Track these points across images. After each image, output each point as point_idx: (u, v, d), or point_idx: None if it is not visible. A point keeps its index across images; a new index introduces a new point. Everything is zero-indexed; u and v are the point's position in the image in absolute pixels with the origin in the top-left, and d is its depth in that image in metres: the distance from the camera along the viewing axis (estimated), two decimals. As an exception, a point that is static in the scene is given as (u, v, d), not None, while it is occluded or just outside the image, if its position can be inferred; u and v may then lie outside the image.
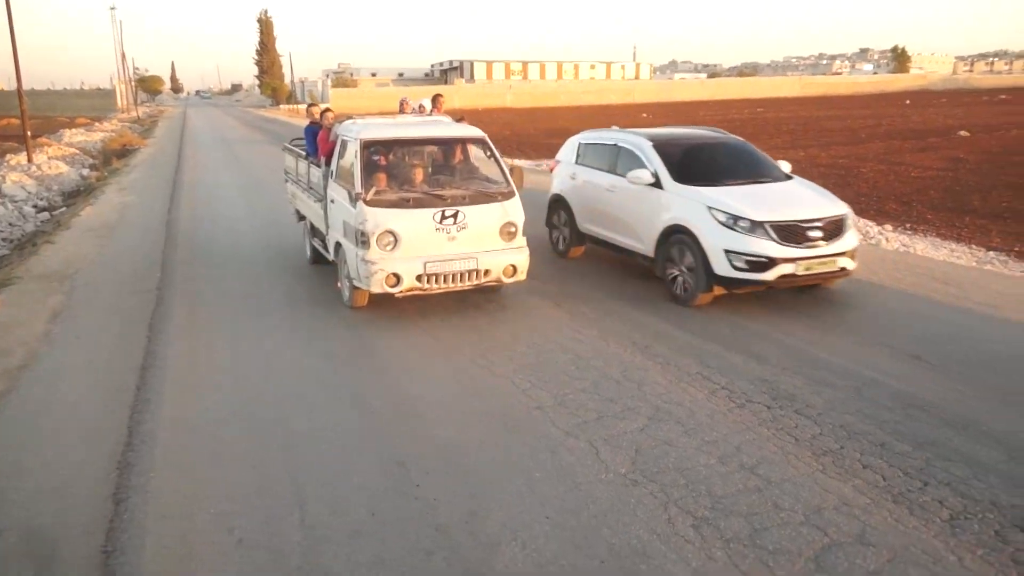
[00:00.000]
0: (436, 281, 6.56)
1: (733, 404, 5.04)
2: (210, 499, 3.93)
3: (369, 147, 6.90)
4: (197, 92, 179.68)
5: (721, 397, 5.16)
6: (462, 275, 6.61)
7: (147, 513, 3.81)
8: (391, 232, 6.46)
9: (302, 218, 9.25)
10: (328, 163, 7.52)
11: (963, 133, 24.62)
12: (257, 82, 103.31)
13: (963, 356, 5.82)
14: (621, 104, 67.30)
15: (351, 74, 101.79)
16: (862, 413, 4.85)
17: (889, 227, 11.06)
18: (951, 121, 30.43)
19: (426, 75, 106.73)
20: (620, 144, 8.44)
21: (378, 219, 6.45)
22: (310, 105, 9.37)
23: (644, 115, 46.33)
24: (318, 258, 8.53)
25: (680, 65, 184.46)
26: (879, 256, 9.18)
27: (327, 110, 8.41)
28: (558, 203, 9.47)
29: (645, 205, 7.71)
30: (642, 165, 7.81)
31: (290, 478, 4.13)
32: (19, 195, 15.74)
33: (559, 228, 9.52)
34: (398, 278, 6.45)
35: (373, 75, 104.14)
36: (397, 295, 6.59)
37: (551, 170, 9.52)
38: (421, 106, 10.11)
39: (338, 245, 7.21)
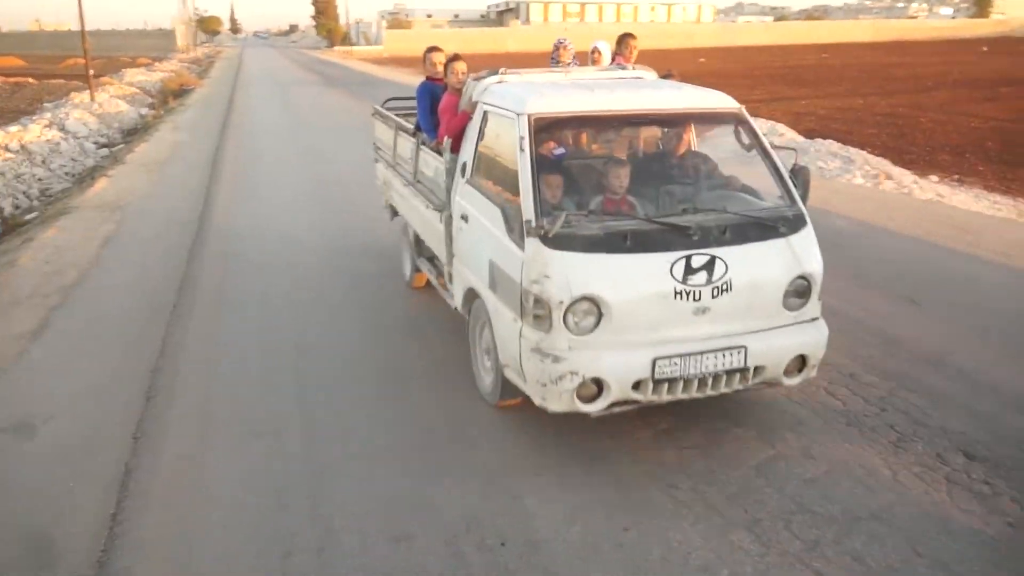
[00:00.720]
0: (670, 389, 3.56)
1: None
2: (226, 400, 4.47)
3: (546, 130, 3.88)
4: (255, 33, 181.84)
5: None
6: (716, 378, 3.60)
7: (172, 407, 4.38)
8: (593, 300, 3.43)
9: (397, 214, 6.27)
10: (457, 149, 4.50)
11: (1038, 83, 23.42)
12: (313, 23, 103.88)
13: (955, 299, 5.93)
14: (680, 48, 65.39)
15: (406, 15, 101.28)
16: (839, 347, 5.06)
17: (935, 178, 10.92)
18: (1028, 70, 28.85)
19: (482, 16, 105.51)
20: None
21: (571, 276, 3.41)
22: (430, 50, 5.48)
23: (701, 60, 45.13)
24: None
25: (746, 7, 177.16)
26: (905, 204, 9.17)
27: (455, 58, 5.01)
28: None
29: None
30: None
31: (298, 390, 4.61)
32: (82, 132, 16.59)
33: None
34: (601, 387, 3.48)
35: (428, 16, 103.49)
36: (594, 415, 3.58)
37: None
38: (596, 50, 6.18)
39: (471, 293, 4.25)
